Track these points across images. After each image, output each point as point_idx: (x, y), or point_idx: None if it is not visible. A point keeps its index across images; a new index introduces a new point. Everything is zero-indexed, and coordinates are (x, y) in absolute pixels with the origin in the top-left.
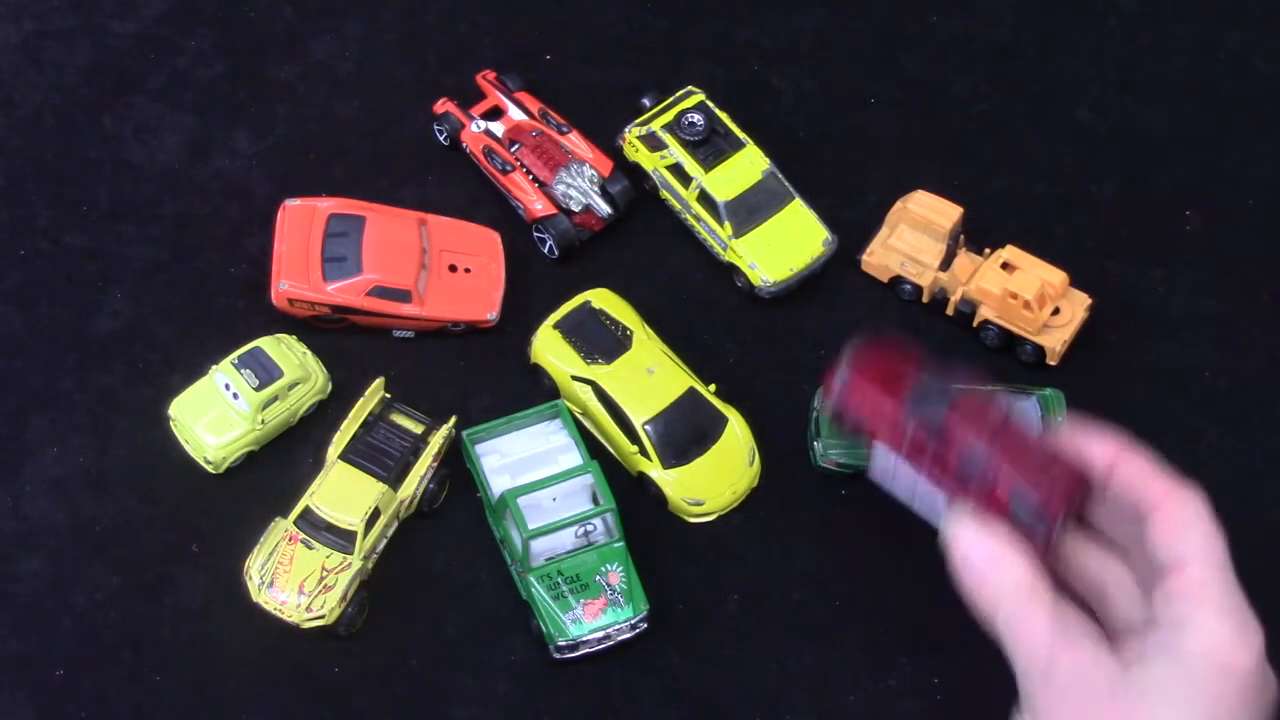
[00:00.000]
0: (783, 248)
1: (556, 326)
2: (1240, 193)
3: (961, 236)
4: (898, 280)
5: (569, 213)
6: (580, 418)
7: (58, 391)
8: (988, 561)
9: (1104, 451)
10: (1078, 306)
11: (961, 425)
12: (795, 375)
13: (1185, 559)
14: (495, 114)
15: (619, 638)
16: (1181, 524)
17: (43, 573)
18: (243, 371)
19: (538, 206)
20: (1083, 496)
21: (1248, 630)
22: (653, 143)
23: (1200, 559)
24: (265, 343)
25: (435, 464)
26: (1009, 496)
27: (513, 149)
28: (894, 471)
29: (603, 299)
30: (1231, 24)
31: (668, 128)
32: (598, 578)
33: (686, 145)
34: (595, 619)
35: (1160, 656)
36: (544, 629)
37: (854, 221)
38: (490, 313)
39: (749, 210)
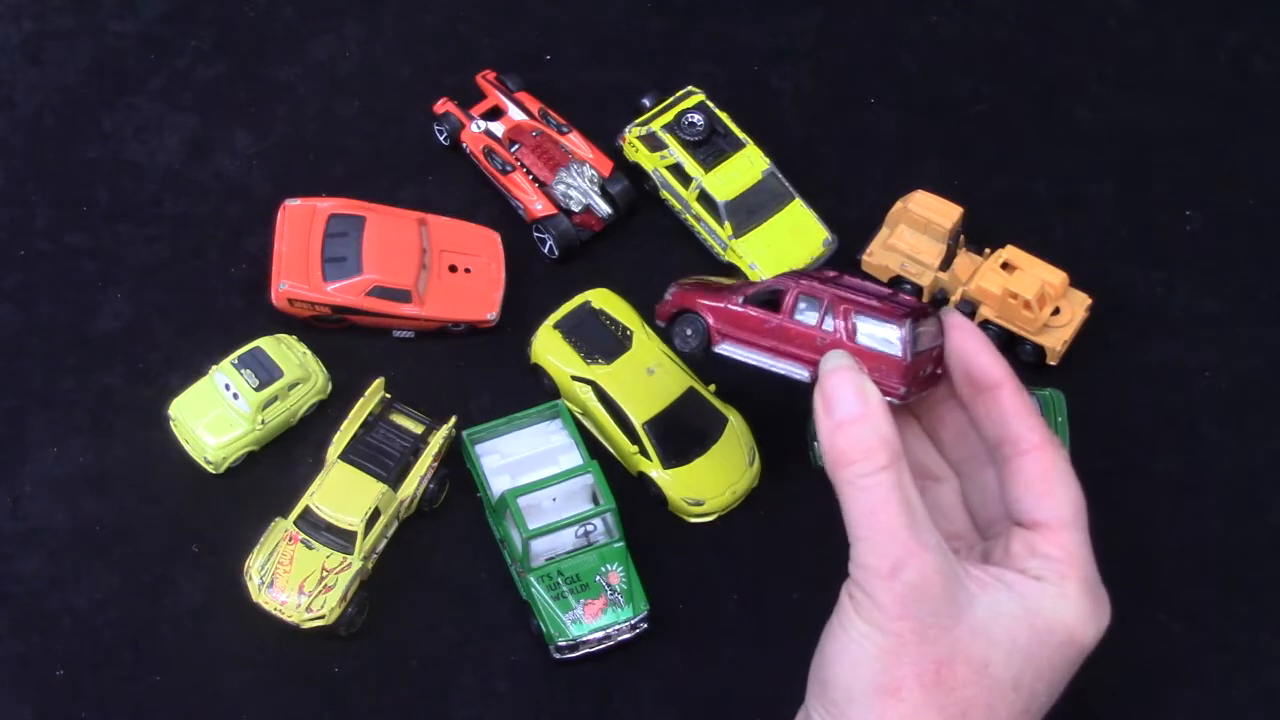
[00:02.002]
0: (783, 248)
1: (556, 326)
2: (1240, 193)
3: (961, 236)
4: (898, 280)
5: (569, 213)
6: (580, 418)
7: (58, 391)
8: (856, 405)
9: (990, 371)
10: (1078, 306)
11: (789, 283)
12: None
13: (1058, 521)
14: (495, 114)
15: (619, 638)
16: (1054, 479)
17: (43, 573)
18: (243, 371)
19: (538, 206)
20: (925, 322)
21: (1100, 609)
22: (653, 143)
23: (1073, 525)
24: (265, 343)
25: (435, 464)
26: (853, 327)
27: (513, 149)
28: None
29: (603, 299)
30: (1231, 24)
31: (668, 128)
32: (598, 578)
33: (686, 145)
34: (595, 619)
35: (1010, 601)
36: (544, 629)
37: (854, 221)
38: (490, 313)
39: (749, 210)
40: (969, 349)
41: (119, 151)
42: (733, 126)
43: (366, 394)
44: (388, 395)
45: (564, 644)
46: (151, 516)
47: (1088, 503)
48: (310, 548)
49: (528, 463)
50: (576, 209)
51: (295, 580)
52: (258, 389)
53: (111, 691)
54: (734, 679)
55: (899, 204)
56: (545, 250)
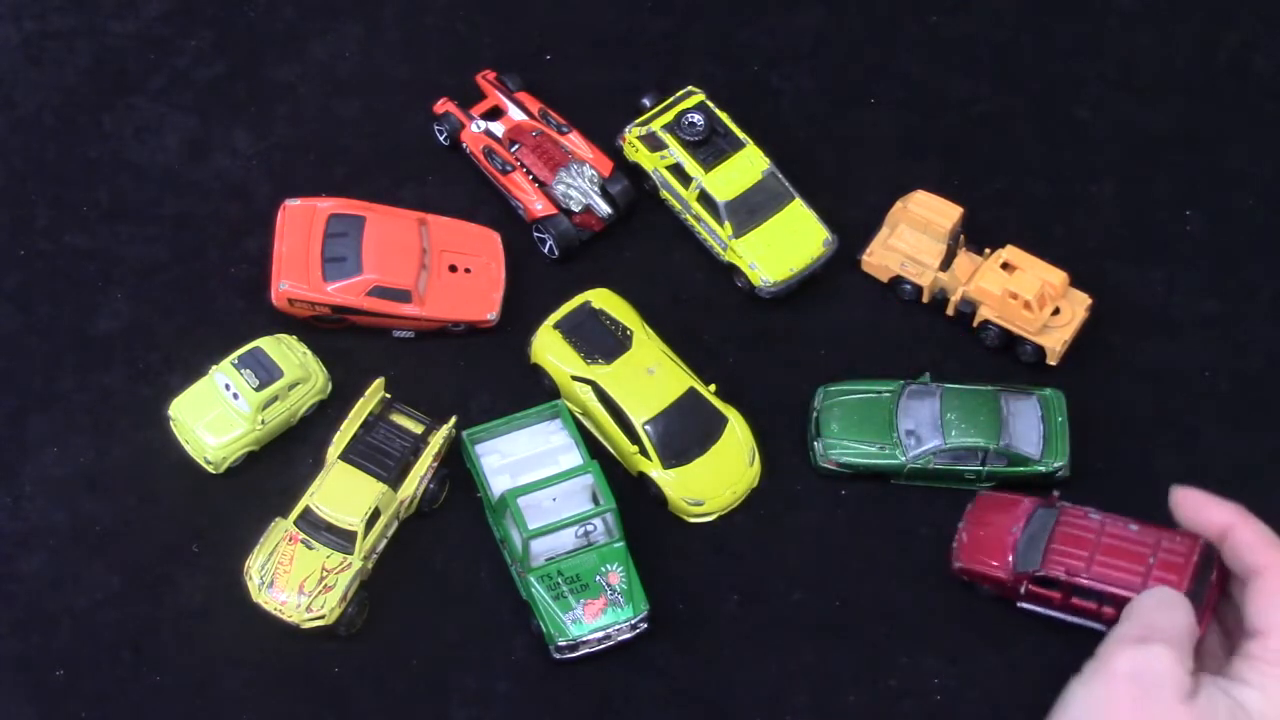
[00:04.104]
0: (783, 248)
1: (556, 326)
2: (1240, 193)
3: (961, 236)
4: (898, 280)
5: (569, 213)
6: (580, 418)
7: (58, 391)
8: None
9: (1220, 518)
10: (1078, 306)
11: (1063, 560)
12: (795, 375)
13: (1272, 628)
14: (495, 114)
15: (619, 638)
16: (1276, 594)
17: (43, 573)
18: (243, 371)
19: (538, 206)
20: (1211, 557)
21: None
22: (653, 143)
23: None
24: (265, 343)
25: (435, 464)
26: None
27: (513, 149)
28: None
29: (603, 299)
30: (1231, 24)
31: (668, 128)
32: (598, 578)
33: (686, 145)
34: (595, 619)
35: (1225, 699)
36: (544, 629)
37: (854, 221)
38: (490, 313)
39: (749, 210)
40: (1195, 507)
41: (119, 151)
42: (733, 126)
43: (366, 394)
44: (388, 395)
45: (564, 644)
46: (151, 516)
47: (1086, 500)
48: (310, 548)
49: (528, 463)
50: (576, 209)
51: (295, 580)
52: (258, 389)
53: (111, 691)
54: (734, 679)
55: (899, 204)
56: (545, 250)
